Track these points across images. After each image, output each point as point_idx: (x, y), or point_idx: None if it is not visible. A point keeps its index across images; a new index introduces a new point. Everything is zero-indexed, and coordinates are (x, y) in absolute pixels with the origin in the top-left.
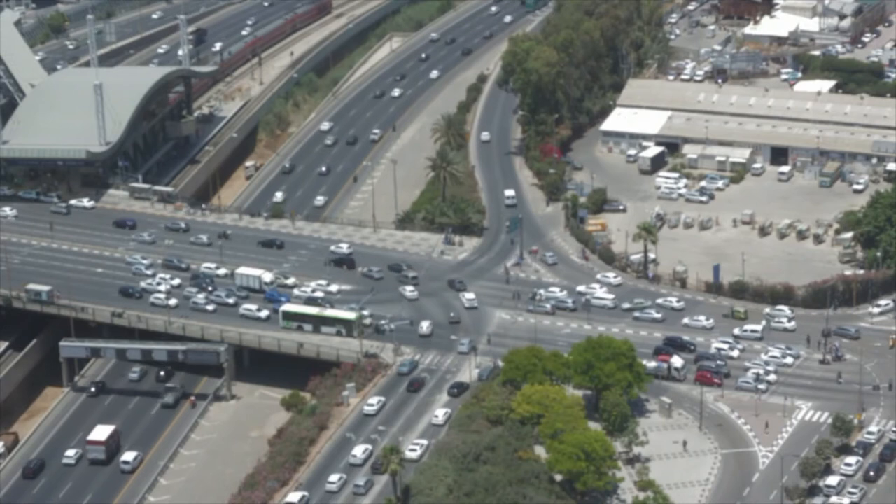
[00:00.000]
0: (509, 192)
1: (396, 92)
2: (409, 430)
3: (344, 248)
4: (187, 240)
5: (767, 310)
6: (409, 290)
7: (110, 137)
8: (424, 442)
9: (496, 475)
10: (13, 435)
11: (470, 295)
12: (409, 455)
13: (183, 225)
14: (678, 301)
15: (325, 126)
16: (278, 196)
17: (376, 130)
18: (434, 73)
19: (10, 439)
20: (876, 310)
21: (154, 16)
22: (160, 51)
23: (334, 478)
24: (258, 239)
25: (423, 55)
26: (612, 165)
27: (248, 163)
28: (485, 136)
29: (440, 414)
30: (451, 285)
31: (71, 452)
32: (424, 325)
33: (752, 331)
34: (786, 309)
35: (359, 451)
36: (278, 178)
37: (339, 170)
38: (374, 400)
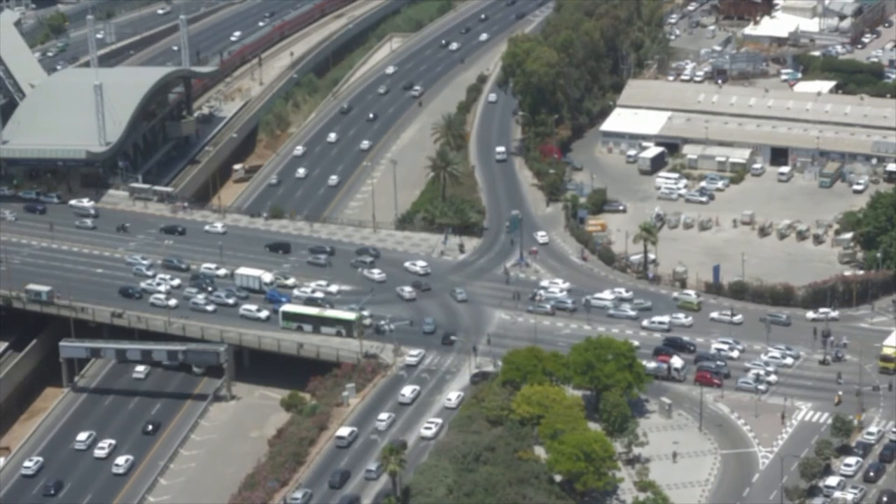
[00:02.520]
0: (499, 149)
1: (454, 45)
2: (424, 409)
3: (218, 226)
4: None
5: (675, 294)
6: (376, 273)
7: (110, 138)
8: (440, 420)
9: (496, 475)
10: (6, 450)
11: (422, 263)
12: (425, 433)
13: (92, 211)
14: (627, 291)
15: (391, 70)
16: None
17: (417, 87)
18: (484, 36)
19: (5, 454)
20: (810, 314)
21: (98, 35)
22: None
23: (384, 416)
24: (160, 226)
25: (483, 16)
26: (612, 166)
27: (237, 166)
28: (492, 97)
29: (453, 397)
30: (363, 253)
31: (141, 368)
32: (406, 290)
33: (660, 322)
34: (692, 293)
35: (407, 391)
36: (335, 119)
37: (389, 112)
38: (415, 351)
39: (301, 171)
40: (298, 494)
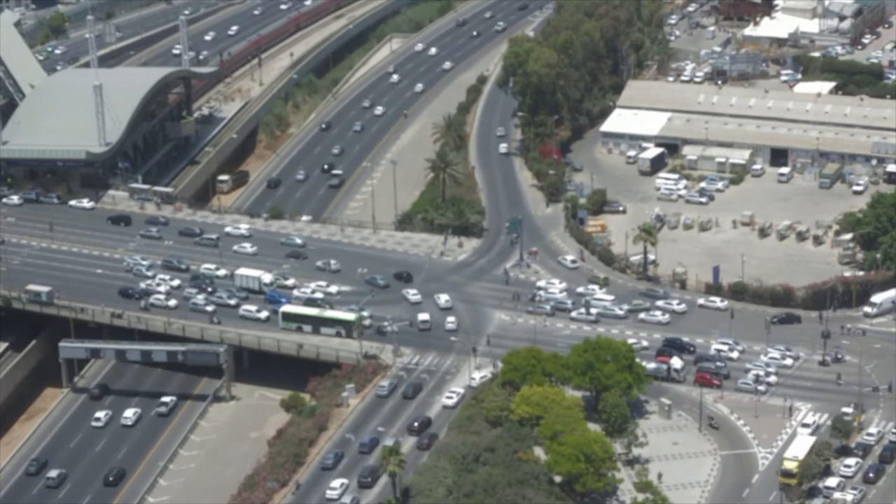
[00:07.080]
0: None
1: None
2: (443, 386)
3: (33, 194)
4: None
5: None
6: (411, 293)
7: (110, 138)
8: (461, 390)
9: (496, 476)
10: None
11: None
12: (446, 402)
13: None
14: (590, 287)
15: (433, 52)
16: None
17: (420, 85)
18: (500, 25)
19: None
20: (707, 300)
21: (58, 51)
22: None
23: (452, 318)
24: None
25: None
26: (612, 167)
27: (224, 176)
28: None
29: (476, 377)
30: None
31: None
32: (353, 270)
33: (584, 314)
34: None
35: (452, 317)
36: (381, 80)
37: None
38: (413, 290)
39: (300, 175)
40: (385, 383)
